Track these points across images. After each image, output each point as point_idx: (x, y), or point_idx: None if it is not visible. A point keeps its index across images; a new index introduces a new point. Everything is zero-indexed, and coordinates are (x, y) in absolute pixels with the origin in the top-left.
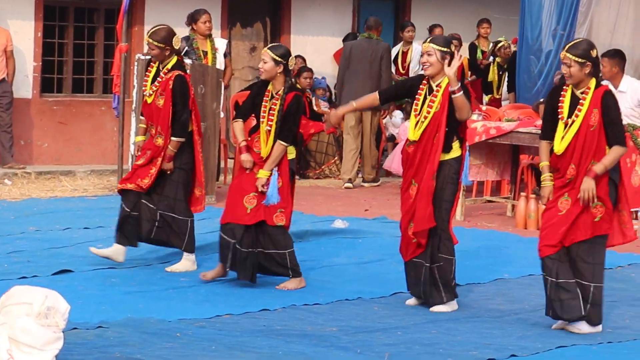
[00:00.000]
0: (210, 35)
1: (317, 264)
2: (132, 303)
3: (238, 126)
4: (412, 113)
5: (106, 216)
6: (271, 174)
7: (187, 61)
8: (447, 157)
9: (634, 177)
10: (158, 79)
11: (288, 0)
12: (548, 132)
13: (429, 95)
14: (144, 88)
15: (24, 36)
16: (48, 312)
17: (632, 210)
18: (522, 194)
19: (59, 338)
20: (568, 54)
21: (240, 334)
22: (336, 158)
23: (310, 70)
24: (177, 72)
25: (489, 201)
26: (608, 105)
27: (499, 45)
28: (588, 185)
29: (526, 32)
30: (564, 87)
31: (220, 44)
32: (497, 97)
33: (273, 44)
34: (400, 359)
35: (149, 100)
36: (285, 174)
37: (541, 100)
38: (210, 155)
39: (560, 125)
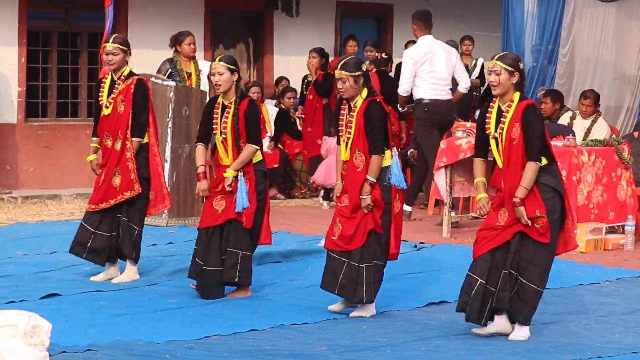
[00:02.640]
0: (194, 57)
1: (305, 283)
2: (120, 325)
3: (198, 150)
4: (339, 136)
5: None
6: (237, 177)
7: (171, 83)
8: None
9: (619, 191)
10: (115, 88)
11: (270, 21)
12: (480, 150)
13: (348, 115)
14: (100, 101)
15: (8, 62)
16: (33, 331)
17: (618, 224)
18: None
19: (46, 357)
20: (498, 62)
21: (229, 354)
22: None
23: (293, 90)
24: (136, 77)
25: (475, 218)
26: (527, 119)
27: None
28: (520, 214)
29: (509, 49)
30: (491, 104)
31: (204, 65)
32: None
33: (221, 55)
34: None
35: (108, 112)
36: (252, 178)
37: None
38: (195, 176)
39: (492, 141)
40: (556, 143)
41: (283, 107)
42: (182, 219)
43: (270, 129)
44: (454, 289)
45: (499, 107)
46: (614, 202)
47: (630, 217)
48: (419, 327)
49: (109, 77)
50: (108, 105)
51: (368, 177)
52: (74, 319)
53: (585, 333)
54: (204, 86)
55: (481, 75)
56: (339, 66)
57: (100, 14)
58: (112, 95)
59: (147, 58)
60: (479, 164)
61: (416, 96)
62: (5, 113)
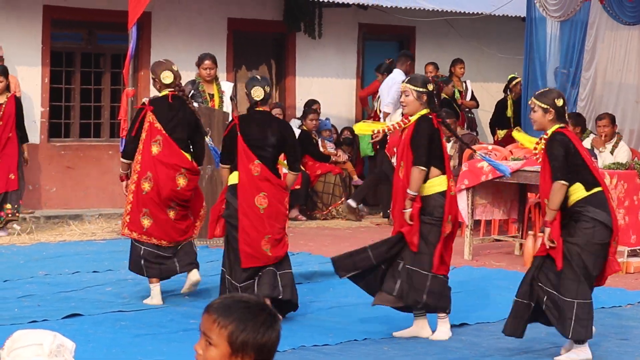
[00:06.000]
0: (216, 79)
1: (326, 305)
2: (142, 346)
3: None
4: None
5: (115, 260)
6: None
7: (194, 104)
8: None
9: None
10: None
11: (292, 42)
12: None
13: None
14: None
15: (32, 82)
16: (58, 350)
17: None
18: (529, 232)
19: None
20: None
21: None
22: (343, 199)
23: (315, 112)
24: None
25: (497, 240)
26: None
27: (515, 81)
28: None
29: (532, 71)
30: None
31: (227, 87)
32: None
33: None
34: None
35: None
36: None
37: None
38: (218, 196)
39: None
40: None
41: (305, 128)
42: (204, 240)
43: None
44: (476, 311)
45: None
46: (636, 225)
47: None
48: (440, 349)
49: None
50: None
51: (408, 191)
52: (96, 339)
53: (607, 357)
54: (227, 107)
55: (474, 97)
56: (406, 80)
57: (124, 35)
58: None
59: None
60: None
61: None
62: (28, 133)
